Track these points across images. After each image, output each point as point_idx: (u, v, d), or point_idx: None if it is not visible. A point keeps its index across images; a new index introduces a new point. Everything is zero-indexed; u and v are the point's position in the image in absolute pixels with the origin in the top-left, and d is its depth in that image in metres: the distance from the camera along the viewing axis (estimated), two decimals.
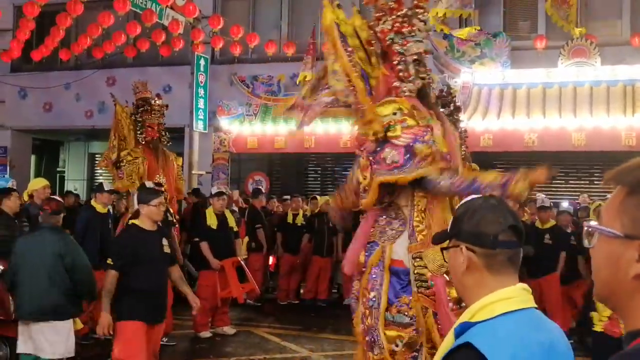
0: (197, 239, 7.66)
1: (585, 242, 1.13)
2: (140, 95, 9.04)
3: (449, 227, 1.61)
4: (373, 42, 4.19)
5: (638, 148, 10.32)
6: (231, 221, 7.69)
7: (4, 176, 12.48)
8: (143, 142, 8.70)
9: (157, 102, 8.97)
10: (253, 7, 13.81)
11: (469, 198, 1.61)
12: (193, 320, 7.41)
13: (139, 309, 4.70)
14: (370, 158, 3.88)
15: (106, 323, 4.72)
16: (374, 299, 3.96)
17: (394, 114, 3.91)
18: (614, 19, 12.16)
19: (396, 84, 4.06)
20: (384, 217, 4.02)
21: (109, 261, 4.79)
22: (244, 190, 12.04)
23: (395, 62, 4.07)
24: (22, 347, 5.01)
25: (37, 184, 7.32)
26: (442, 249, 1.66)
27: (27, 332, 4.95)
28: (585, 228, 1.14)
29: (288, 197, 10.18)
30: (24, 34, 11.12)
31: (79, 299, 5.19)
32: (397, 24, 4.09)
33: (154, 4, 11.05)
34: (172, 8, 11.44)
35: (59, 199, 5.72)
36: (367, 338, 4.00)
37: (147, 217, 4.91)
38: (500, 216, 1.51)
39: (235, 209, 9.37)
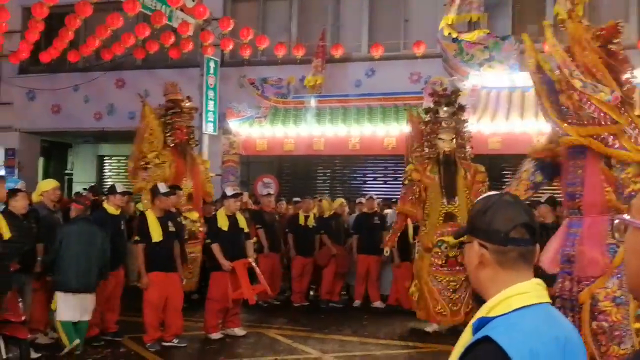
0: (208, 241, 7.58)
1: (616, 235, 1.16)
2: (171, 97, 8.94)
3: (466, 223, 1.66)
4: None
5: None
6: (242, 222, 7.59)
7: (12, 177, 12.37)
8: (172, 145, 8.61)
9: (187, 104, 8.86)
10: (263, 9, 13.77)
11: (485, 195, 1.63)
12: (204, 321, 7.34)
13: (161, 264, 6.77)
14: None
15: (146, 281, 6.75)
16: (622, 297, 4.54)
17: None
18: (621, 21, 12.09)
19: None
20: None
21: (137, 238, 6.87)
22: (253, 192, 11.91)
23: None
24: (67, 315, 6.28)
25: (48, 185, 7.18)
26: (460, 244, 1.72)
27: (72, 301, 6.28)
28: (616, 221, 1.17)
29: (298, 199, 10.02)
30: (32, 35, 11.03)
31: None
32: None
33: (163, 5, 10.95)
34: (181, 10, 11.35)
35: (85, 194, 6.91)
36: (615, 333, 4.55)
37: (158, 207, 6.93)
38: (513, 213, 1.52)
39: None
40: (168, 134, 8.64)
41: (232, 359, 6.49)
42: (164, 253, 6.82)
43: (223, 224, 7.37)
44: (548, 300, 1.50)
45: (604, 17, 11.99)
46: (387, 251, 8.28)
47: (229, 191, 7.69)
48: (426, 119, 8.05)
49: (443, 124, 7.71)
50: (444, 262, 7.42)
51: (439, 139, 7.69)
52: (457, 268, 7.37)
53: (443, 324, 7.57)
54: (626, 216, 1.17)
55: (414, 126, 8.68)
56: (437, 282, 7.46)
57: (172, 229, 6.93)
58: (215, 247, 7.30)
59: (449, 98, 7.87)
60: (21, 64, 13.74)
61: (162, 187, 7.06)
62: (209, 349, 6.91)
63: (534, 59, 5.99)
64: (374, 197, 9.76)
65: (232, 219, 7.44)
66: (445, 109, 7.78)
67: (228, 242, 7.33)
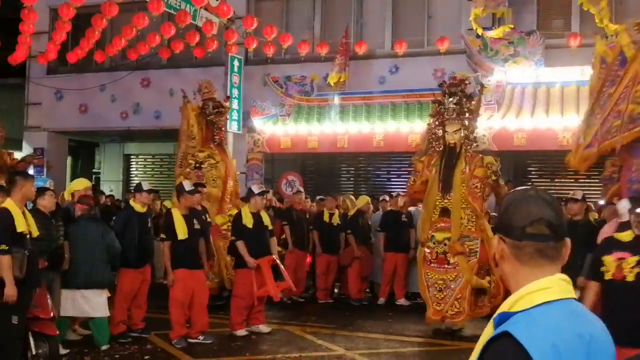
0: (233, 238, 7.60)
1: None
2: (209, 95, 8.96)
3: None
4: None
5: None
6: (266, 220, 7.58)
7: (41, 177, 12.54)
8: (217, 143, 8.67)
9: (227, 103, 8.99)
10: (286, 8, 13.78)
11: (512, 190, 1.60)
12: (229, 318, 7.38)
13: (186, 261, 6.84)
14: None
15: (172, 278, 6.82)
16: None
17: None
18: None
19: None
20: None
21: (163, 236, 6.99)
22: (278, 190, 11.90)
23: None
24: (70, 311, 6.34)
25: (79, 185, 7.19)
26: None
27: (79, 298, 6.35)
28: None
29: (322, 196, 9.96)
30: (59, 36, 11.13)
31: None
32: None
33: (188, 5, 10.99)
34: (206, 9, 11.39)
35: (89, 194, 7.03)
36: None
37: (183, 205, 7.05)
38: (532, 208, 1.48)
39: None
40: (215, 133, 8.65)
41: (257, 355, 6.49)
42: (190, 250, 6.84)
43: (248, 221, 7.35)
44: (573, 296, 1.47)
45: (631, 10, 11.72)
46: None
47: (256, 189, 7.63)
48: (434, 111, 7.75)
49: (446, 114, 7.38)
50: (434, 258, 7.21)
51: (444, 130, 7.39)
52: (446, 266, 7.12)
53: (426, 320, 7.43)
54: None
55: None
56: (428, 278, 7.29)
57: (197, 226, 6.98)
58: (240, 245, 7.29)
59: (453, 87, 7.47)
60: (49, 64, 13.91)
61: (187, 185, 7.11)
62: (233, 345, 6.92)
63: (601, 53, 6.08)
64: (402, 194, 9.64)
65: (256, 216, 7.43)
66: (449, 99, 7.40)
67: (253, 239, 7.32)
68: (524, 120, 10.73)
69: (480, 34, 11.41)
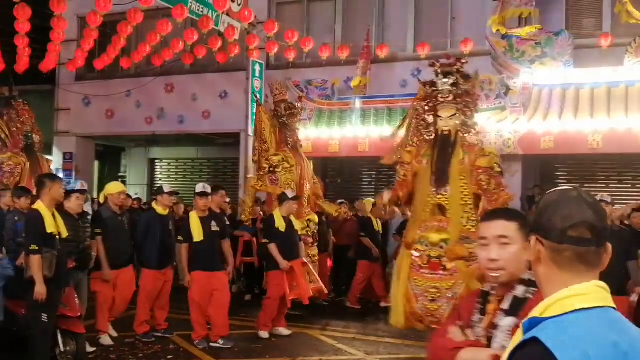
0: (266, 241, 7.82)
1: None
2: (281, 98, 9.06)
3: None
4: None
5: None
6: (297, 224, 7.86)
7: (72, 180, 13.14)
8: (291, 146, 8.72)
9: (299, 104, 9.05)
10: (307, 11, 14.08)
11: (552, 190, 1.56)
12: (258, 318, 7.66)
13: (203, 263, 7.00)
14: None
15: (188, 280, 7.02)
16: None
17: None
18: None
19: None
20: None
21: (180, 238, 7.15)
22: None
23: None
24: None
25: (114, 189, 7.32)
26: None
27: None
28: None
29: (343, 200, 10.28)
30: (87, 43, 11.74)
31: None
32: None
33: (210, 10, 11.43)
34: (227, 14, 11.83)
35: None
36: None
37: (198, 209, 7.17)
38: (575, 211, 1.45)
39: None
40: (288, 136, 8.69)
41: (277, 358, 6.70)
42: (206, 253, 6.99)
43: (280, 225, 7.62)
44: (611, 304, 1.42)
45: None
46: None
47: (290, 193, 7.90)
48: (423, 94, 6.75)
49: (440, 98, 6.42)
50: (425, 263, 6.15)
51: (437, 116, 6.44)
52: (441, 273, 6.09)
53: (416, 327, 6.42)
54: None
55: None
56: (416, 286, 6.16)
57: (215, 228, 7.13)
58: (273, 247, 7.54)
59: (448, 66, 6.56)
60: (77, 71, 14.58)
61: (199, 188, 7.21)
62: (254, 347, 7.14)
63: None
64: (388, 189, 9.63)
65: (287, 220, 7.72)
66: (443, 80, 6.45)
67: (285, 242, 7.59)
68: (551, 123, 10.71)
69: (505, 32, 11.49)
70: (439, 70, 6.51)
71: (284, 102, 8.90)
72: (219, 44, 12.06)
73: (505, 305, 2.20)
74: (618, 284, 5.66)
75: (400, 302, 6.23)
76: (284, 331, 7.70)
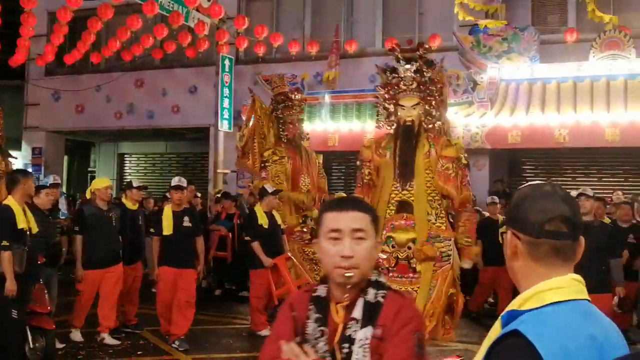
0: (248, 238, 7.74)
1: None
2: (279, 90, 8.90)
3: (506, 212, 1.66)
4: None
5: None
6: (279, 218, 7.80)
7: (41, 175, 13.28)
8: (285, 140, 8.54)
9: (297, 96, 8.84)
10: (277, 7, 14.31)
11: (526, 185, 1.60)
12: (250, 319, 7.69)
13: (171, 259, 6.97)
14: None
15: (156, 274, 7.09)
16: None
17: None
18: None
19: None
20: None
21: (152, 230, 7.25)
22: None
23: None
24: None
25: (100, 184, 7.30)
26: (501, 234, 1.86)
27: None
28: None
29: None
30: (57, 38, 11.88)
31: None
32: None
33: (180, 6, 11.64)
34: (197, 10, 12.03)
35: None
36: None
37: (172, 202, 7.11)
38: (550, 205, 1.48)
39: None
40: (281, 129, 8.56)
41: (246, 352, 6.78)
42: (176, 248, 6.92)
43: (263, 221, 7.57)
44: (586, 297, 1.47)
45: (631, 4, 12.09)
46: None
47: (270, 188, 7.79)
48: (384, 81, 6.27)
49: (402, 85, 6.01)
50: (392, 266, 5.72)
51: (399, 105, 6.01)
52: (410, 275, 5.68)
53: None
54: None
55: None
56: None
57: (187, 224, 7.04)
58: (256, 245, 7.50)
59: (411, 52, 6.16)
60: (47, 66, 14.67)
61: (174, 181, 7.18)
62: (224, 342, 7.22)
63: None
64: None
65: (269, 215, 7.66)
66: (406, 66, 6.02)
67: (269, 239, 7.55)
68: (518, 117, 11.01)
69: (471, 19, 11.62)
70: (400, 56, 6.08)
71: (282, 94, 8.77)
72: (189, 39, 12.28)
73: (357, 313, 1.83)
74: (599, 280, 5.51)
75: None
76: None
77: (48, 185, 6.75)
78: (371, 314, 1.82)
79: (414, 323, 1.80)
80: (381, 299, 1.85)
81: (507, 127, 11.14)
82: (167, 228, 6.97)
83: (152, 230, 7.23)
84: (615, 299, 6.30)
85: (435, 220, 5.81)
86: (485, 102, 11.43)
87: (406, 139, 5.97)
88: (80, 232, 6.96)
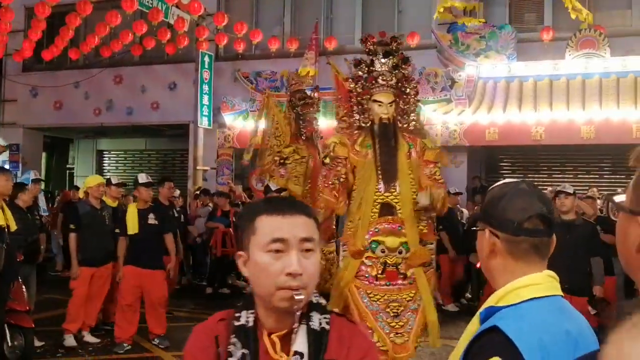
0: None
1: (612, 216, 1.18)
2: (297, 87, 8.86)
3: (480, 209, 1.67)
4: None
5: None
6: None
7: (18, 171, 13.27)
8: (304, 138, 8.42)
9: (315, 94, 8.80)
10: (256, 4, 14.39)
11: (501, 182, 1.63)
12: None
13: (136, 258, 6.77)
14: None
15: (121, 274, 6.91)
16: None
17: None
18: (623, 8, 12.37)
19: None
20: None
21: (117, 230, 7.02)
22: (248, 185, 12.53)
23: None
24: None
25: (93, 182, 7.32)
26: (473, 231, 1.67)
27: None
28: (612, 203, 1.17)
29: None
30: (35, 34, 11.90)
31: None
32: None
33: (160, 2, 11.74)
34: (177, 6, 12.13)
35: None
36: None
37: (140, 200, 6.99)
38: (528, 203, 1.52)
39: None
40: (302, 127, 8.41)
41: None
42: (141, 247, 6.72)
43: None
44: (560, 293, 1.52)
45: (606, 3, 12.38)
46: None
47: (273, 186, 7.71)
48: (357, 74, 5.93)
49: (380, 80, 5.71)
50: (380, 272, 5.36)
51: (374, 101, 5.68)
52: (400, 282, 5.35)
53: None
54: (620, 197, 1.16)
55: (339, 85, 7.27)
56: (371, 301, 5.36)
57: (152, 222, 6.85)
58: None
59: (388, 46, 5.83)
60: (24, 62, 14.62)
61: (142, 178, 7.05)
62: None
63: None
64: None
65: None
66: (382, 60, 5.77)
67: None
68: (496, 115, 11.24)
69: (451, 18, 11.83)
70: (378, 49, 5.72)
71: (299, 92, 8.62)
72: (169, 35, 12.36)
73: (301, 345, 1.46)
74: (581, 281, 5.50)
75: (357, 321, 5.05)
76: None
77: (30, 181, 6.77)
78: (317, 346, 1.45)
79: (370, 355, 1.52)
80: (327, 326, 1.49)
81: (484, 124, 11.35)
82: (132, 227, 6.81)
83: (116, 230, 7.02)
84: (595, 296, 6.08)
85: (419, 223, 5.53)
86: (463, 100, 11.65)
87: (385, 137, 5.64)
88: (76, 230, 6.96)
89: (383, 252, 5.32)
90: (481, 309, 1.51)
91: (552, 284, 1.51)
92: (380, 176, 5.53)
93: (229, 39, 12.47)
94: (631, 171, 1.14)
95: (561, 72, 11.52)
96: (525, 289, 1.47)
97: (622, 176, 11.67)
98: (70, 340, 6.90)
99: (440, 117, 11.59)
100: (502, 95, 11.60)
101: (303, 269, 1.43)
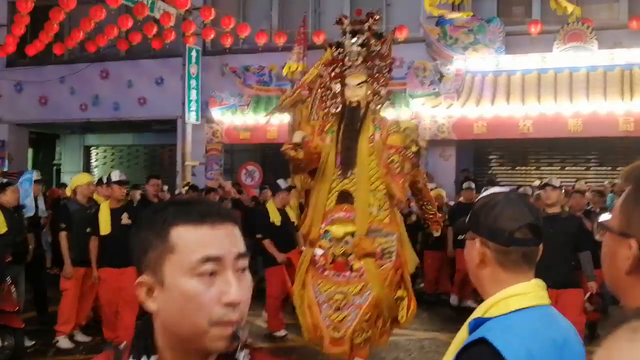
0: (260, 236, 7.48)
1: (597, 236, 1.43)
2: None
3: (467, 219, 1.65)
4: None
5: (636, 133, 10.69)
6: (292, 215, 7.65)
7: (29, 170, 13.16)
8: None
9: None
10: None
11: (489, 192, 1.66)
12: (268, 320, 7.51)
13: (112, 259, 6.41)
14: None
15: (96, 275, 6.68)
16: None
17: None
18: (610, 2, 12.46)
19: None
20: None
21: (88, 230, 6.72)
22: (237, 180, 12.59)
23: None
24: None
25: (81, 180, 7.26)
26: (462, 239, 1.68)
27: None
28: (597, 223, 1.44)
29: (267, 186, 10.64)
30: (18, 29, 11.81)
31: None
32: None
33: None
34: (163, 0, 12.05)
35: None
36: None
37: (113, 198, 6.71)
38: (519, 213, 1.54)
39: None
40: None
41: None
42: (116, 247, 6.19)
43: (275, 218, 7.45)
44: (547, 302, 1.54)
45: None
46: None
47: (283, 184, 7.67)
48: (328, 58, 5.75)
49: (347, 61, 5.47)
50: (329, 262, 5.21)
51: (344, 84, 5.47)
52: (347, 274, 5.16)
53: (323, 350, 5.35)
54: (604, 217, 1.18)
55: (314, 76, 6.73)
56: (320, 292, 5.22)
57: (126, 221, 6.50)
58: (267, 243, 7.36)
59: (363, 24, 5.56)
60: (8, 57, 14.46)
61: (115, 176, 6.78)
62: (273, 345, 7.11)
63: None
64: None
65: (282, 212, 7.57)
66: (352, 40, 5.48)
67: (281, 236, 7.41)
68: (484, 108, 11.33)
69: (440, 14, 11.83)
70: (347, 29, 5.53)
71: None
72: (155, 30, 12.30)
73: None
74: (569, 275, 5.52)
75: (305, 312, 5.33)
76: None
77: (32, 181, 6.73)
78: None
79: None
80: None
81: (473, 118, 11.46)
82: (105, 227, 6.52)
83: (88, 230, 6.70)
84: (588, 294, 5.95)
85: (378, 212, 5.28)
86: (452, 94, 11.71)
87: (351, 122, 5.44)
88: (67, 229, 6.91)
89: (330, 241, 5.21)
90: (470, 319, 1.53)
91: (539, 293, 1.53)
92: (338, 162, 5.39)
93: (216, 34, 12.42)
94: (618, 163, 1.18)
95: (549, 65, 11.61)
96: (513, 299, 1.49)
97: (609, 168, 11.85)
98: (64, 342, 6.86)
99: (428, 111, 11.67)
100: (490, 88, 11.68)
101: (240, 297, 1.09)
